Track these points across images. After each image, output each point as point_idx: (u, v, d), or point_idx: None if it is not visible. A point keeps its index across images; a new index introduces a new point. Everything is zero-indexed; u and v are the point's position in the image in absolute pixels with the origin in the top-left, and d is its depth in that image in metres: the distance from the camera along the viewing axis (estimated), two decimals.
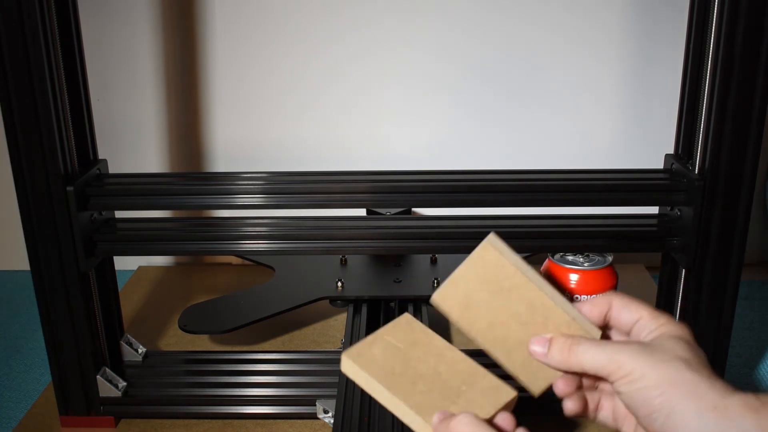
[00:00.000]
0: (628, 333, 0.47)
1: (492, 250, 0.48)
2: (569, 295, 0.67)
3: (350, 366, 0.48)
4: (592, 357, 0.45)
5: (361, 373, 0.48)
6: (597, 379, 0.48)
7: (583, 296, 0.66)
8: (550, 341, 0.47)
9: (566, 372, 0.47)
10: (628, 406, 0.44)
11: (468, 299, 0.48)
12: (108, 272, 0.75)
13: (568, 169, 0.72)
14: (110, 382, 0.74)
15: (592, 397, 0.49)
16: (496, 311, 0.48)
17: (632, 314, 0.47)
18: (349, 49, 1.01)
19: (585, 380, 0.49)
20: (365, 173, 0.72)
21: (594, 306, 0.48)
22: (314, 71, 1.02)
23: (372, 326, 0.83)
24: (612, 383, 0.44)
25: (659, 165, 0.73)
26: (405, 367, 0.48)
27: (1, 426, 0.78)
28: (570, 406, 0.48)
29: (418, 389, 0.47)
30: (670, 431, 0.41)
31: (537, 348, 0.47)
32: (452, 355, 0.50)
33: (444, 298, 0.48)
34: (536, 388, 0.48)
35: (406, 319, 0.52)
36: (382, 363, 0.48)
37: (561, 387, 0.48)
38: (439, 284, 0.89)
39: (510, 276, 0.47)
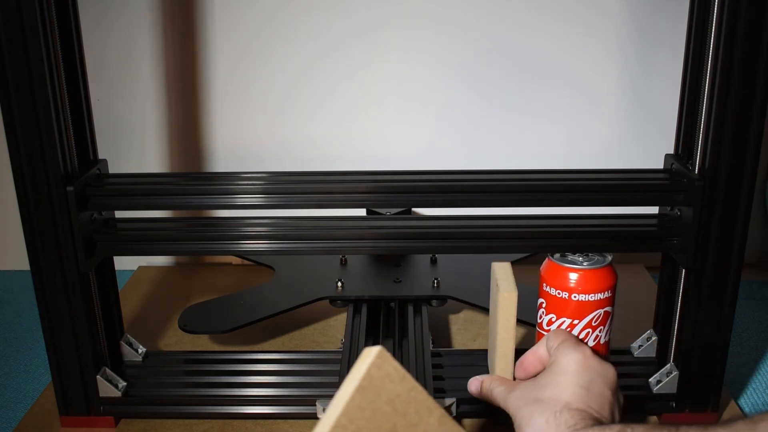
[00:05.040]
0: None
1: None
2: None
3: None
4: (497, 397, 0.61)
5: None
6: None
7: (581, 296, 0.66)
8: (482, 381, 0.65)
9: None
10: None
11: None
12: (108, 272, 0.75)
13: (567, 169, 0.72)
14: (110, 382, 0.74)
15: None
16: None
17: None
18: (349, 49, 1.01)
19: None
20: (365, 173, 0.72)
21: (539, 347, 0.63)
22: (315, 71, 1.02)
23: (372, 326, 0.84)
24: None
25: (659, 165, 0.73)
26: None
27: (1, 426, 0.78)
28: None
29: None
30: None
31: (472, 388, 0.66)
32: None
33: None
34: None
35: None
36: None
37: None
38: (439, 284, 0.90)
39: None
